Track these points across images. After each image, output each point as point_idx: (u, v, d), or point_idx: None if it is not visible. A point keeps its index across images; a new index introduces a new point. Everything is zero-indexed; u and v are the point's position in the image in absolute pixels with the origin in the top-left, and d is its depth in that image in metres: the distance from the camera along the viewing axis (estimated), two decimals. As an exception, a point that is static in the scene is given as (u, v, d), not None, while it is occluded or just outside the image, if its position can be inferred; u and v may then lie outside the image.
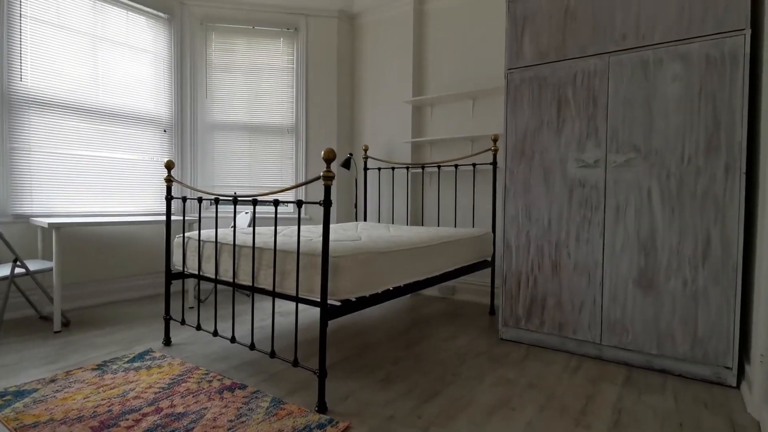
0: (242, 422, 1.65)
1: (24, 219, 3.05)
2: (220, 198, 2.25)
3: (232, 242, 2.20)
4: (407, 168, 3.88)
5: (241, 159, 4.12)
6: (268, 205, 3.16)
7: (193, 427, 1.61)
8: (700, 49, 2.07)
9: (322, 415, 1.71)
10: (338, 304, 1.86)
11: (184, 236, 2.48)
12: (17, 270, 2.61)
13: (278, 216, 4.00)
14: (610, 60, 2.30)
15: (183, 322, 2.44)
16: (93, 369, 2.12)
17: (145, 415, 1.70)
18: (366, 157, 3.99)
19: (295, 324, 1.96)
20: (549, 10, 2.48)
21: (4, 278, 2.54)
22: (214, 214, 2.27)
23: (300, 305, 3.28)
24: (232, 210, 3.79)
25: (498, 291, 3.52)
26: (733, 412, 1.81)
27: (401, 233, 2.68)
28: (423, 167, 3.75)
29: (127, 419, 1.66)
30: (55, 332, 2.68)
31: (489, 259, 3.21)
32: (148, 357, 2.29)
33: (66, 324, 2.85)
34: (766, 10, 1.89)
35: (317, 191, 4.19)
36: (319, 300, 1.80)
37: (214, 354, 2.37)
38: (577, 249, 2.40)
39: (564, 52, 2.44)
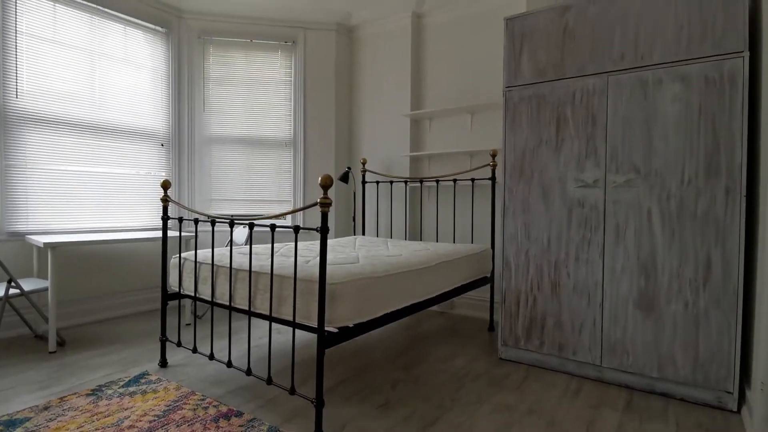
0: (238, 454, 1.63)
1: (19, 237, 3.02)
2: (217, 220, 2.23)
3: (228, 264, 2.18)
4: (405, 182, 3.86)
5: (239, 172, 4.10)
6: (266, 221, 3.14)
7: (188, 460, 1.58)
8: (699, 71, 2.06)
9: (319, 446, 1.69)
10: (336, 331, 1.83)
11: (180, 257, 2.46)
12: (12, 291, 2.58)
13: (276, 229, 3.97)
14: (609, 79, 2.29)
15: (179, 344, 2.41)
16: (87, 394, 2.09)
17: (139, 446, 1.67)
18: (364, 171, 3.97)
19: (292, 352, 1.93)
20: (547, 28, 2.47)
21: (-1, 299, 2.52)
22: (211, 232, 2.24)
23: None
24: (229, 226, 3.76)
25: (497, 307, 3.50)
26: (736, 440, 1.79)
27: (400, 251, 2.66)
28: (421, 181, 3.73)
29: (121, 451, 1.63)
30: (50, 353, 2.65)
31: (488, 275, 3.19)
32: (143, 380, 2.26)
33: (61, 344, 2.82)
34: (763, 33, 1.88)
35: (315, 209, 4.15)
36: (316, 326, 1.78)
37: (210, 377, 2.34)
38: (576, 269, 2.38)
39: (563, 70, 2.42)
